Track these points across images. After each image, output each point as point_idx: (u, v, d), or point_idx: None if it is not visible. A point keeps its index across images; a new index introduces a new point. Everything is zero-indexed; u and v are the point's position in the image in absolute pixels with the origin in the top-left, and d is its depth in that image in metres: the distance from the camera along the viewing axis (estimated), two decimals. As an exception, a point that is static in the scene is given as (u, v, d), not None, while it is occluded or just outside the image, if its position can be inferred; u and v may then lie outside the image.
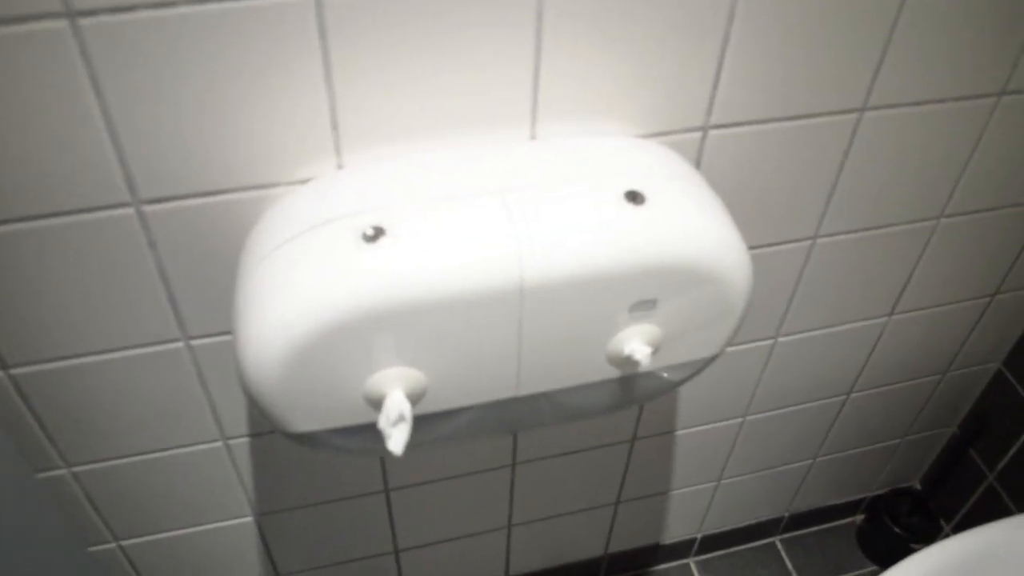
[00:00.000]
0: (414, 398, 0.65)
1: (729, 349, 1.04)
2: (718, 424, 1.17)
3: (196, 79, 0.59)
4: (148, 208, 0.66)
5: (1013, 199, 0.99)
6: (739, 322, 0.73)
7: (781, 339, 1.06)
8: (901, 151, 0.87)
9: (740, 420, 1.18)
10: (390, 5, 0.59)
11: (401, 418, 0.62)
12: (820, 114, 0.80)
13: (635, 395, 0.77)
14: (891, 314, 1.09)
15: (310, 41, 0.60)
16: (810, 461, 1.35)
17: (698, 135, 0.78)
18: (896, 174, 0.90)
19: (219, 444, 0.90)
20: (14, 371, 0.76)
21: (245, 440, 0.91)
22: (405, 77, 0.64)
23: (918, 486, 1.54)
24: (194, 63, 0.58)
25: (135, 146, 0.62)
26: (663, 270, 0.63)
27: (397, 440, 0.62)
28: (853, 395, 1.22)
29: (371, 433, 0.67)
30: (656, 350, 0.70)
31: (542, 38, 0.65)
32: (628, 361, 0.69)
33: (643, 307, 0.66)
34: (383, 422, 0.62)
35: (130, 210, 0.66)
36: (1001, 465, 1.35)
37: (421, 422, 0.68)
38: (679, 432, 1.16)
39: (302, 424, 0.65)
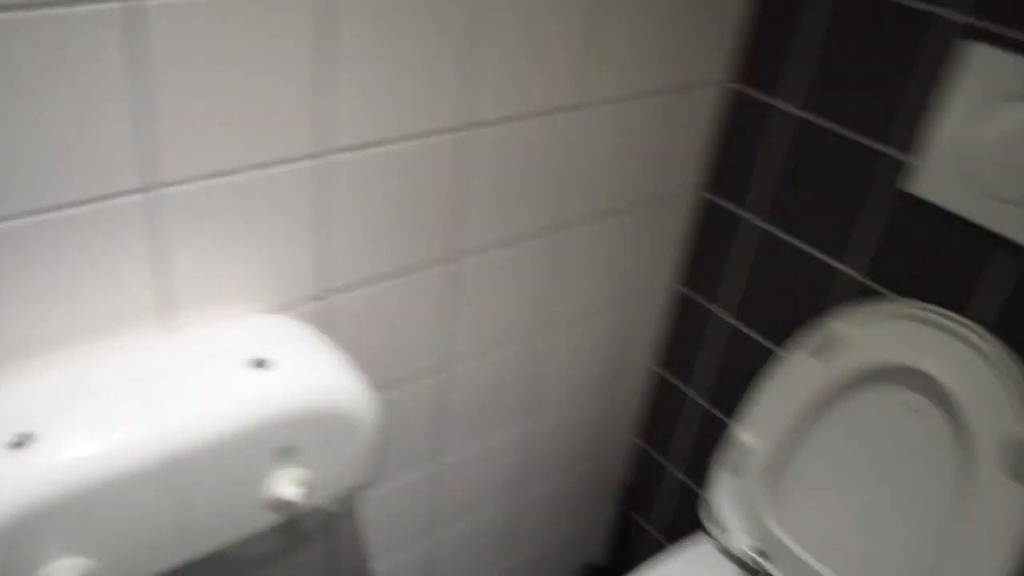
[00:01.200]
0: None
1: (404, 477, 1.18)
2: (406, 550, 1.30)
3: None
4: None
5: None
6: (375, 452, 0.86)
7: (444, 459, 1.22)
8: (494, 290, 1.08)
9: (427, 538, 1.31)
10: (13, 236, 0.70)
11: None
12: (420, 267, 0.99)
13: (302, 533, 0.88)
14: (531, 416, 1.29)
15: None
16: (510, 557, 1.50)
17: (321, 302, 0.93)
18: (496, 304, 1.10)
19: None
20: None
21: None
22: (44, 298, 0.73)
23: (603, 561, 1.75)
24: None
25: None
26: (292, 420, 0.76)
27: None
28: (526, 491, 1.41)
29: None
30: (307, 489, 0.82)
31: (166, 250, 0.77)
32: (283, 504, 0.80)
33: (286, 454, 0.78)
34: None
35: None
36: (662, 523, 1.59)
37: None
38: (374, 563, 1.27)
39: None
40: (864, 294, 1.12)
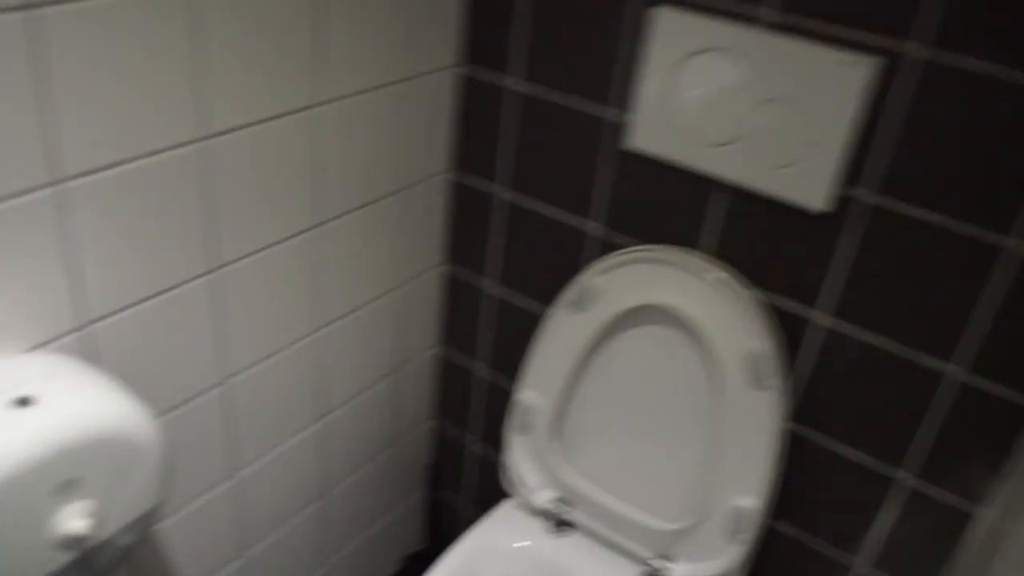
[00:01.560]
0: None
1: (204, 497, 1.17)
2: (219, 572, 1.28)
3: None
4: None
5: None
6: (160, 474, 0.86)
7: (243, 472, 1.21)
8: (263, 296, 1.10)
9: (239, 557, 1.30)
10: None
11: None
12: (180, 284, 0.98)
13: (102, 568, 0.86)
14: (325, 415, 1.31)
15: None
16: (329, 560, 1.51)
17: (83, 333, 0.90)
18: (268, 310, 1.12)
19: None
20: None
21: None
22: None
23: (424, 547, 1.79)
24: None
25: None
26: (65, 453, 0.75)
27: None
28: (334, 491, 1.42)
29: None
30: (95, 519, 0.80)
31: None
32: (73, 539, 0.79)
33: (68, 488, 0.77)
34: None
35: None
36: (472, 497, 1.65)
37: None
38: (192, 592, 1.25)
39: None
40: (609, 247, 1.22)
